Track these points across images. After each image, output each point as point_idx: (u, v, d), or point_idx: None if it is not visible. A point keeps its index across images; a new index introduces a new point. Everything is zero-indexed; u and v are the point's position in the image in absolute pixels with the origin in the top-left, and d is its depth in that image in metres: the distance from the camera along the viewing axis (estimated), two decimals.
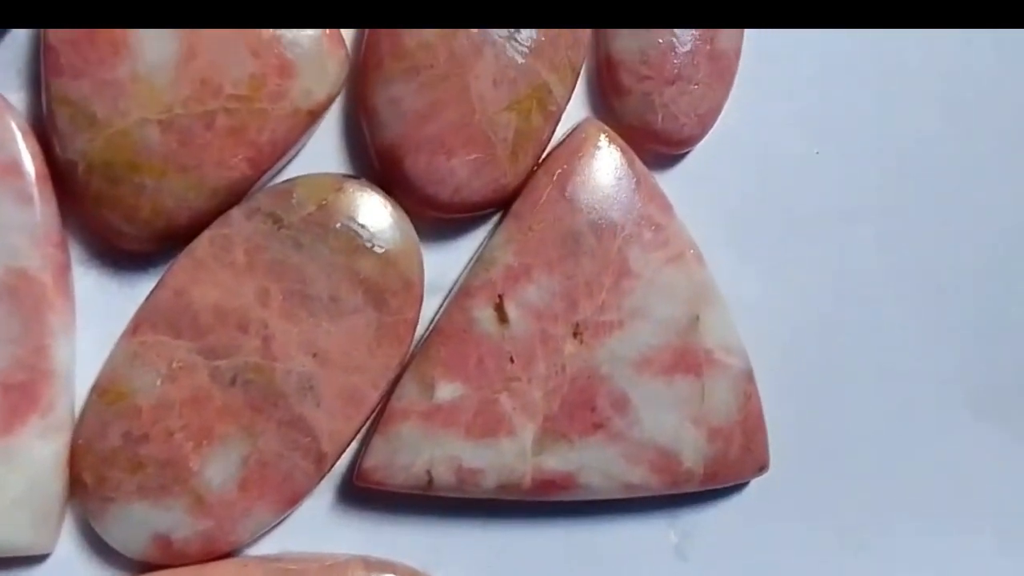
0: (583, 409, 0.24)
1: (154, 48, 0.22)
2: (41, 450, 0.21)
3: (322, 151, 0.25)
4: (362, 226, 0.23)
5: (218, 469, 0.22)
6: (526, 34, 0.24)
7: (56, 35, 0.22)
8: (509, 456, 0.23)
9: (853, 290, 0.28)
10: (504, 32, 0.24)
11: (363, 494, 0.24)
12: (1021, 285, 0.28)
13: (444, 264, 0.25)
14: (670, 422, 0.24)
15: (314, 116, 0.23)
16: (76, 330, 0.22)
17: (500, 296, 0.24)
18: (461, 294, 0.24)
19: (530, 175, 0.25)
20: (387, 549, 0.24)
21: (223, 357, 0.22)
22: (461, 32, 0.24)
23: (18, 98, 0.23)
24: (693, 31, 0.26)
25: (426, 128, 0.24)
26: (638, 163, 0.26)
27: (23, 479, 0.21)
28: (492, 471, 0.24)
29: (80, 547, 0.23)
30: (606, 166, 0.25)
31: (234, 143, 0.22)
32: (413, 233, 0.24)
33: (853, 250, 0.28)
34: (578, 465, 0.24)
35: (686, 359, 0.25)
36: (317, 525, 0.25)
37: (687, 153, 0.27)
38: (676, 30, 0.26)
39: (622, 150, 0.25)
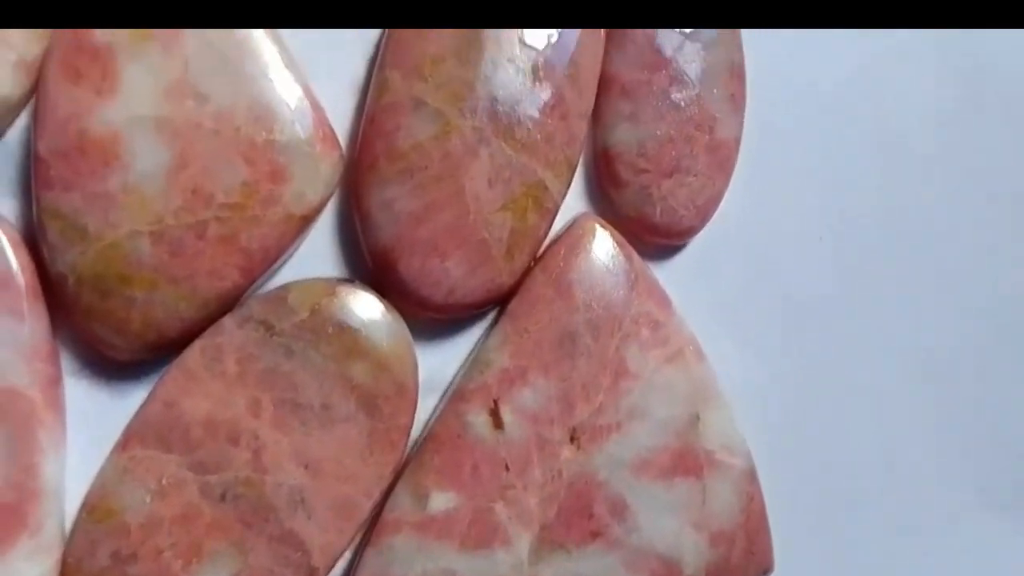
0: (580, 516, 0.24)
1: (145, 157, 0.22)
2: (29, 572, 0.21)
3: (315, 252, 0.24)
4: (355, 331, 0.23)
5: None
6: (521, 132, 0.24)
7: (46, 147, 0.21)
8: (505, 567, 0.23)
9: (858, 379, 0.27)
10: (500, 130, 0.24)
11: None
12: None
13: (439, 362, 0.25)
14: (670, 527, 0.24)
15: (307, 220, 0.23)
16: (66, 444, 0.22)
17: (495, 401, 0.24)
18: (455, 398, 0.24)
19: (526, 272, 0.25)
20: None
21: (213, 472, 0.22)
22: (455, 133, 0.23)
23: (10, 206, 0.23)
24: (692, 123, 0.26)
25: (420, 230, 0.23)
26: (636, 258, 0.25)
27: None
28: None
29: None
30: (603, 263, 0.25)
31: (226, 252, 0.22)
32: (408, 335, 0.24)
33: (857, 337, 0.27)
34: (576, 575, 0.23)
35: (686, 461, 0.24)
36: None
37: (686, 242, 0.27)
38: (673, 124, 0.25)
39: (619, 245, 0.25)
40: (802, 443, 0.27)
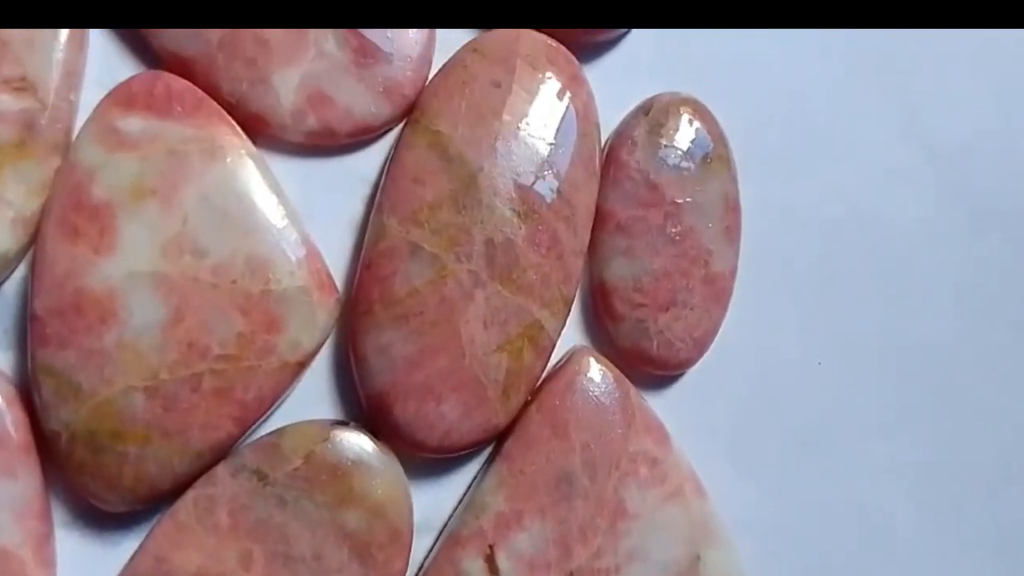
0: None
1: (142, 313, 0.22)
2: None
3: (310, 392, 0.24)
4: (350, 477, 0.23)
5: None
6: (517, 273, 0.24)
7: (43, 304, 0.22)
8: None
9: (864, 507, 0.27)
10: (496, 272, 0.24)
11: None
12: None
13: (434, 500, 0.25)
14: None
15: (302, 367, 0.23)
16: None
17: (491, 546, 0.23)
18: (450, 543, 0.24)
19: (522, 409, 0.25)
20: None
21: None
22: (451, 277, 0.24)
23: (6, 358, 0.23)
24: (687, 258, 0.26)
25: (416, 375, 0.23)
26: (633, 393, 0.25)
27: None
28: None
29: None
30: (599, 401, 0.25)
31: (220, 404, 0.22)
32: (404, 480, 0.24)
33: (861, 464, 0.27)
34: None
35: None
36: None
37: (683, 373, 0.27)
38: (669, 259, 0.25)
39: (616, 380, 0.25)
40: (806, 573, 0.26)
